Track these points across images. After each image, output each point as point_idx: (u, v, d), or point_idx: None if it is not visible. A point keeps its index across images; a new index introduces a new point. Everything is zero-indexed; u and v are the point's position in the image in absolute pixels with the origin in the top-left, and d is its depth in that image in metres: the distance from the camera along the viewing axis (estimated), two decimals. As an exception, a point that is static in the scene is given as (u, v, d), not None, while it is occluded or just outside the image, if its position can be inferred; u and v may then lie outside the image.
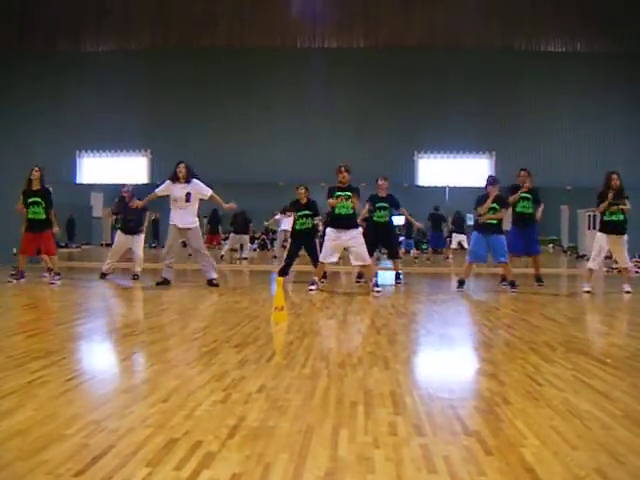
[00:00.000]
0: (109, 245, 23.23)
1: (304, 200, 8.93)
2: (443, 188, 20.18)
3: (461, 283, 8.28)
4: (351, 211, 7.75)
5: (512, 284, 8.01)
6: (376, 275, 8.67)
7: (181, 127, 19.31)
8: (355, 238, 7.72)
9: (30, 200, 8.51)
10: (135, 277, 9.39)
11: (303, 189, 8.96)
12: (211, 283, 8.21)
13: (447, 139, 20.50)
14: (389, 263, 11.13)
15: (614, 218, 8.00)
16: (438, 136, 20.43)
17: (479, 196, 8.26)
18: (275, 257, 15.53)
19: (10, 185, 10.06)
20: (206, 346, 4.06)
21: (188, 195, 8.11)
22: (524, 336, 4.58)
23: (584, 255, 17.65)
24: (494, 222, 8.06)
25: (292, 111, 19.98)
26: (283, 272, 8.92)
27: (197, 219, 8.29)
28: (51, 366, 3.37)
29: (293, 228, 9.17)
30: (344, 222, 7.74)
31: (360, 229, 7.95)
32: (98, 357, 4.03)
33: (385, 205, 9.07)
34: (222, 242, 16.24)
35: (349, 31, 20.49)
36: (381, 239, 9.29)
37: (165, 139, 19.30)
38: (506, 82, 19.94)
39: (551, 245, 22.29)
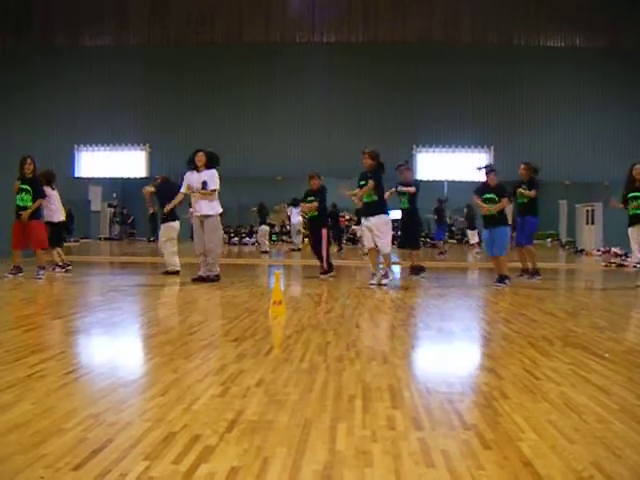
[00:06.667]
0: (108, 239, 23.25)
1: (315, 187, 8.83)
2: (442, 182, 20.19)
3: (502, 278, 7.79)
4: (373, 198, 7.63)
5: (500, 279, 7.69)
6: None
7: (180, 122, 19.24)
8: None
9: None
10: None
11: (315, 177, 8.85)
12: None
13: (446, 133, 20.44)
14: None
15: (637, 212, 7.89)
16: (437, 130, 20.37)
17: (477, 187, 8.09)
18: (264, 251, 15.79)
19: (9, 180, 10.02)
20: (204, 340, 4.07)
21: (204, 183, 7.79)
22: (522, 330, 4.58)
23: (582, 249, 17.64)
24: (494, 214, 7.73)
25: (290, 106, 19.92)
26: (327, 268, 8.72)
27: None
28: (49, 360, 3.37)
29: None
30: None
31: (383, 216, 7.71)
32: (96, 351, 4.03)
33: None
34: None
35: (348, 26, 20.41)
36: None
37: (164, 133, 19.21)
38: (505, 77, 19.88)
39: (549, 239, 22.26)
